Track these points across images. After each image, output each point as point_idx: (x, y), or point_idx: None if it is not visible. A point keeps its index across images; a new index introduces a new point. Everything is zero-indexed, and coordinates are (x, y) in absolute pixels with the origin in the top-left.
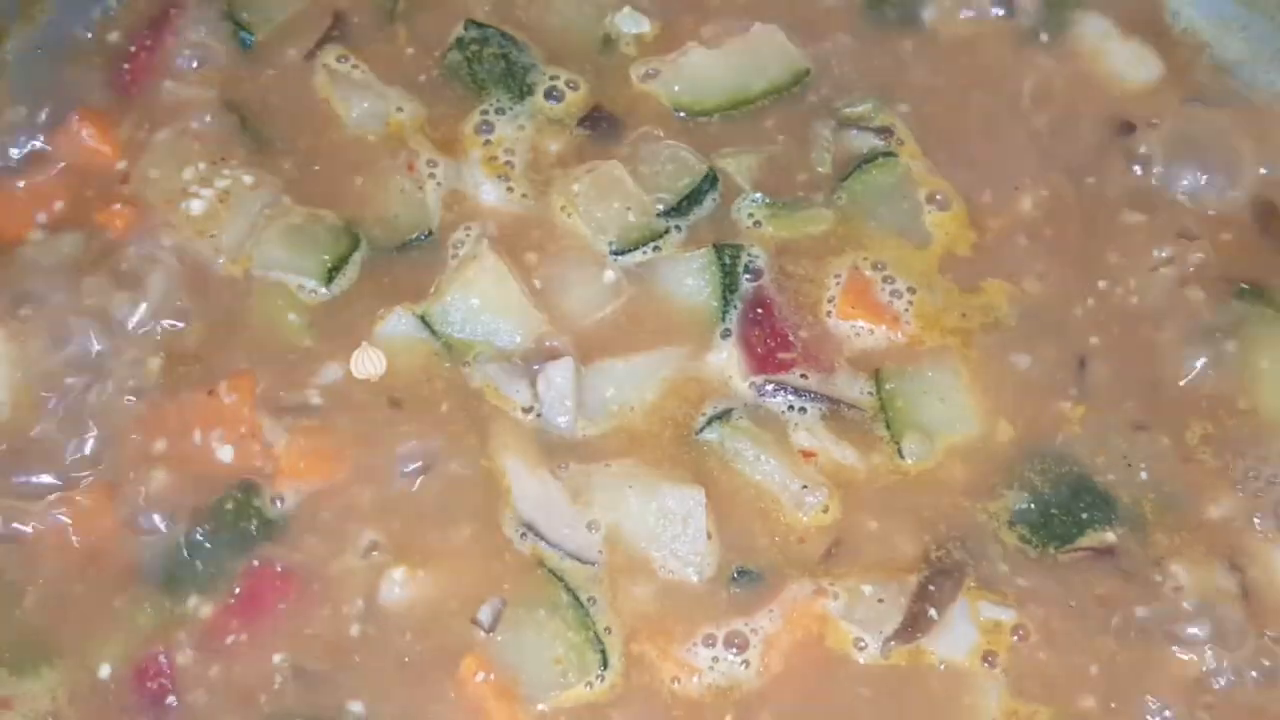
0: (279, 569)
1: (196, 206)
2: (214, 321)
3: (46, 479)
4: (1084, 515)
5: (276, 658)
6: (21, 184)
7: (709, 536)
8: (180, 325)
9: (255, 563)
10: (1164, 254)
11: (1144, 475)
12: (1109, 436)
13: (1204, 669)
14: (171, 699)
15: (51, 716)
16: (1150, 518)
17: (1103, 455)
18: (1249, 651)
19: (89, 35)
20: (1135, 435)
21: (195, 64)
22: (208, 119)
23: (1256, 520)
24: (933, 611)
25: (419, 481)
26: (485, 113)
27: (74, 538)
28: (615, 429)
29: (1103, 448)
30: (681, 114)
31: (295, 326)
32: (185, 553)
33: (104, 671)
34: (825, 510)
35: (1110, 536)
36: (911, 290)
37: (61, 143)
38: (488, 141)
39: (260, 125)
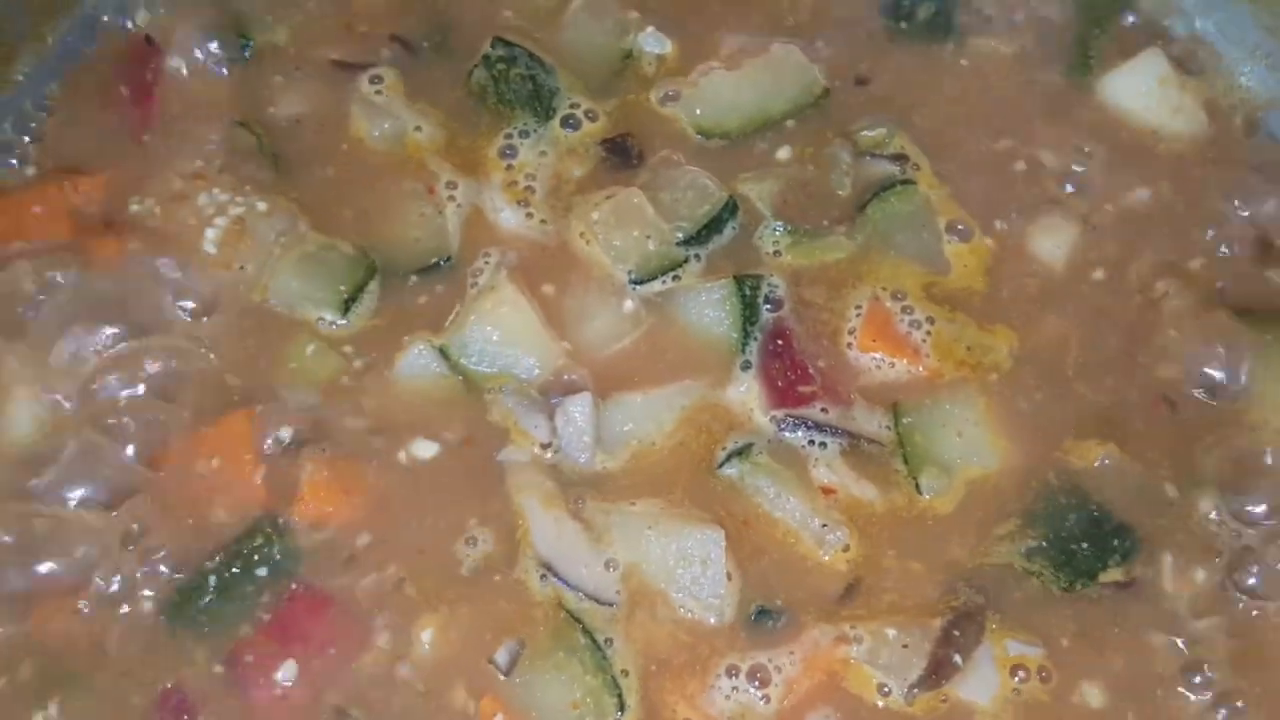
0: (298, 605)
1: (211, 235)
2: (230, 352)
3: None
4: (1105, 550)
5: (293, 689)
6: (38, 209)
7: (729, 578)
8: (199, 356)
9: (274, 598)
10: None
11: (1164, 509)
12: (1128, 471)
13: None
14: None
15: None
16: (1171, 553)
17: (1122, 489)
18: None
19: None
20: (1154, 468)
21: (202, 81)
22: (220, 140)
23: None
24: (957, 657)
25: (439, 519)
26: (509, 136)
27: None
28: (634, 464)
29: (1122, 482)
30: (702, 137)
31: (314, 357)
32: (209, 589)
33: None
34: (846, 549)
35: (1132, 571)
36: (930, 320)
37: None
38: (510, 166)
39: (277, 145)
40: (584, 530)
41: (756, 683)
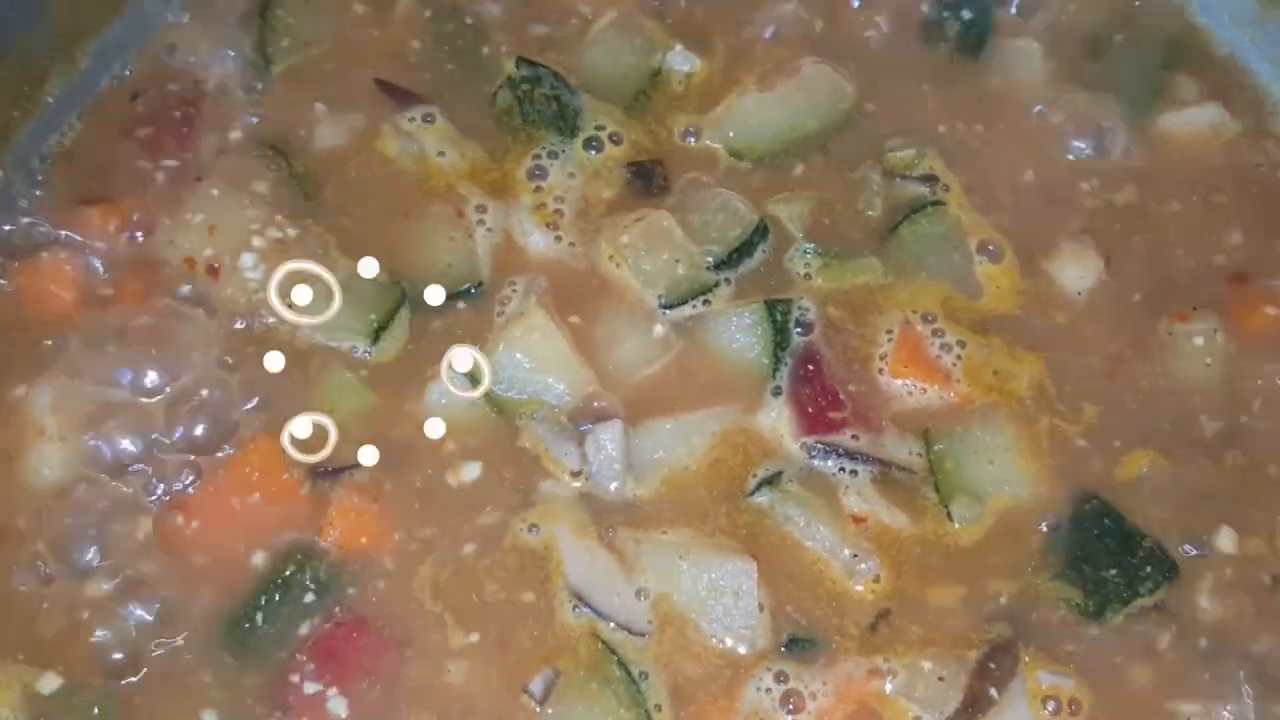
0: (334, 632)
1: (248, 262)
2: (262, 383)
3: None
4: (1138, 576)
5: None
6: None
7: (760, 609)
8: (230, 388)
9: (311, 626)
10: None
11: (1198, 535)
12: (1161, 496)
13: None
14: None
15: None
16: (1203, 581)
17: (1156, 515)
18: None
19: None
20: (1189, 496)
21: (230, 105)
22: (253, 167)
23: None
24: (993, 690)
25: (473, 548)
26: (538, 157)
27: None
28: (664, 491)
29: (1156, 507)
30: (735, 158)
31: (347, 386)
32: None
33: None
34: (876, 579)
35: (1165, 596)
36: (962, 344)
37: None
38: (538, 188)
39: (307, 169)
40: (615, 559)
41: (790, 708)
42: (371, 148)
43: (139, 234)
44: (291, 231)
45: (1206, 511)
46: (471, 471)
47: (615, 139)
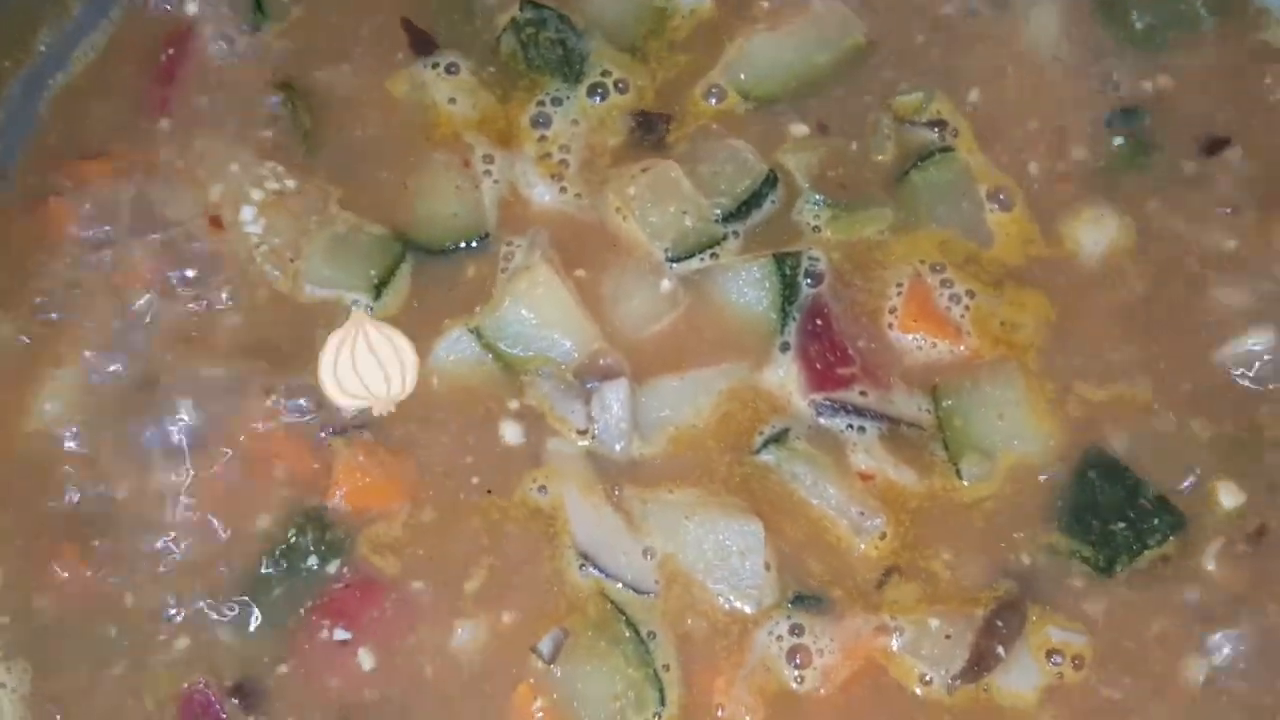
0: (345, 592)
1: (247, 215)
2: (267, 338)
3: None
4: (1147, 528)
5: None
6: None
7: (767, 568)
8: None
9: (320, 586)
10: None
11: (1209, 486)
12: (1172, 448)
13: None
14: None
15: None
16: (1211, 530)
17: (1167, 467)
18: None
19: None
20: (1206, 446)
21: (227, 54)
22: (248, 114)
23: None
24: (1000, 648)
25: (480, 505)
26: (542, 104)
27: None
28: (671, 450)
29: (1164, 461)
30: (744, 99)
31: None
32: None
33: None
34: (883, 537)
35: (1172, 550)
36: (971, 294)
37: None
38: (543, 137)
39: (311, 117)
40: (622, 518)
41: (797, 661)
42: (377, 94)
43: (133, 187)
44: (291, 183)
45: (1212, 465)
46: (479, 430)
47: (621, 86)
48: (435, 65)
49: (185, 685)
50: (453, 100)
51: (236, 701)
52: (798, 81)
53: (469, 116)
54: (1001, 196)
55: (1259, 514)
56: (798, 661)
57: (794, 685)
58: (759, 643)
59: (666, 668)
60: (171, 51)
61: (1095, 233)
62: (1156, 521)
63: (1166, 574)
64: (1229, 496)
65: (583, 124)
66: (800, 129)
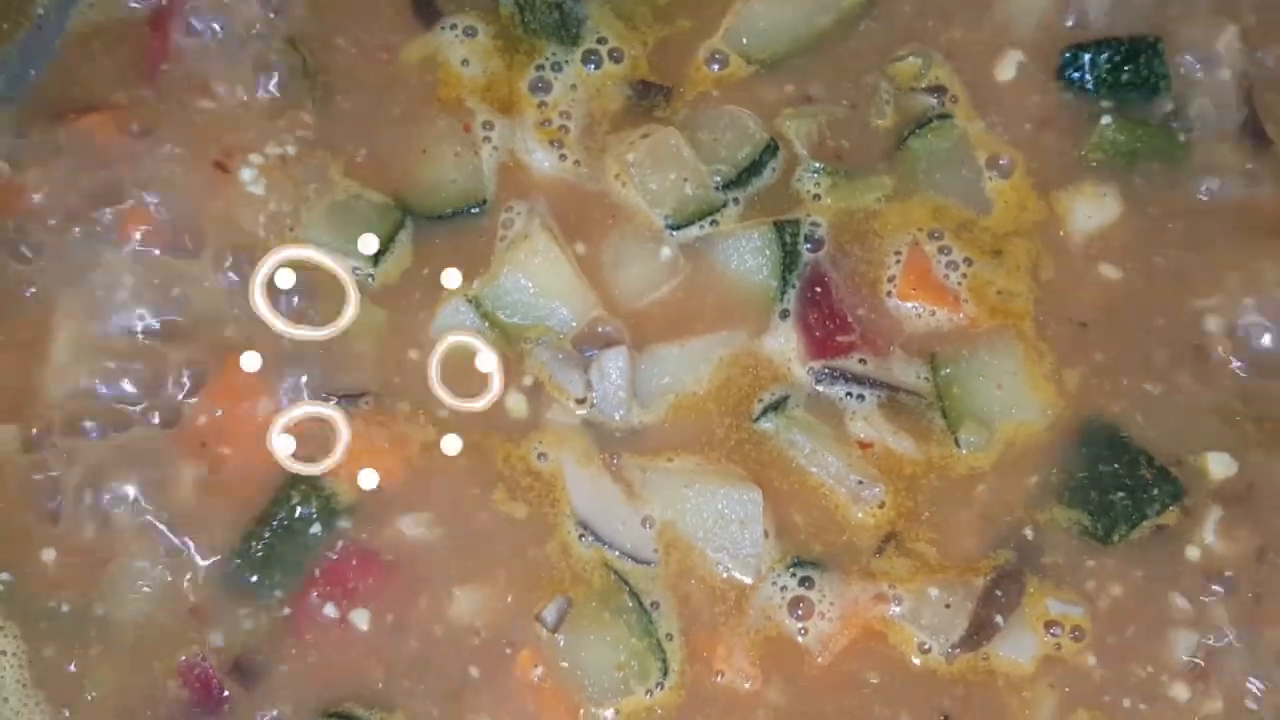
0: (344, 560)
1: (246, 176)
2: None
3: None
4: (1145, 497)
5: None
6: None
7: (766, 536)
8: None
9: (318, 555)
10: None
11: (1204, 456)
12: (1170, 419)
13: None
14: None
15: None
16: (1211, 497)
17: (1165, 437)
18: None
19: None
20: (1199, 417)
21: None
22: (253, 76)
23: None
24: (999, 617)
25: (481, 473)
26: (540, 69)
27: None
28: (670, 418)
29: (1161, 430)
30: (745, 63)
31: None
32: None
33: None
34: (882, 506)
35: (1173, 518)
36: (969, 261)
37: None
38: (543, 104)
39: (313, 78)
40: (621, 487)
41: (800, 612)
42: (382, 57)
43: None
44: (291, 149)
45: (1207, 434)
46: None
47: (616, 56)
48: (454, 27)
49: (183, 658)
50: (465, 62)
51: (235, 675)
52: (802, 39)
53: (476, 80)
54: (1001, 163)
55: (1246, 478)
56: (800, 613)
57: (798, 637)
58: (762, 595)
59: (669, 637)
60: (176, 13)
61: (1092, 204)
62: (1156, 491)
63: (1165, 543)
64: (1222, 466)
65: (581, 89)
66: (799, 95)
